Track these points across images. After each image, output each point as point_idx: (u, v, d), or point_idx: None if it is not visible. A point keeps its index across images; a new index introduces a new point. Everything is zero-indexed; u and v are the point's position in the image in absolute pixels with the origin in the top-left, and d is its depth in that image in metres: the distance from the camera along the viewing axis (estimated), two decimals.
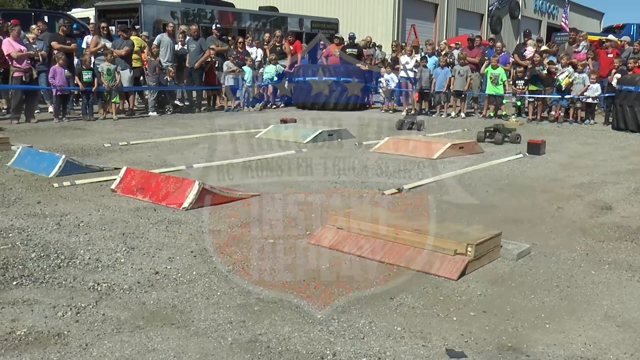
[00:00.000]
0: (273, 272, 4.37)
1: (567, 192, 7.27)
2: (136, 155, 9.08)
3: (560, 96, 15.22)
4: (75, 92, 14.07)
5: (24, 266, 4.37)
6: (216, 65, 16.46)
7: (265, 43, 18.63)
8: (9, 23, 13.58)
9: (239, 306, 3.77)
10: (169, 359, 3.12)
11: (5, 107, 13.96)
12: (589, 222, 5.96)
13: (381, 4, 32.52)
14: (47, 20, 16.37)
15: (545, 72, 15.27)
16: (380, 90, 17.96)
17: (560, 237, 5.45)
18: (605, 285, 4.28)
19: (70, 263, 4.47)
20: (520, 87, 15.57)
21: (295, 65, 18.09)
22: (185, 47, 15.87)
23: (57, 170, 7.39)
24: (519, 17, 44.26)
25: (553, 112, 15.72)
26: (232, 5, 24.53)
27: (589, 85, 14.79)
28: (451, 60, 16.72)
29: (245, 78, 16.31)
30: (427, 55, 17.05)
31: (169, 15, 20.36)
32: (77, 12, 25.09)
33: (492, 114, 15.85)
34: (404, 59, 17.11)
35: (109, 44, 14.60)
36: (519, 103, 16.35)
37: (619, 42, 18.36)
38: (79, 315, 3.60)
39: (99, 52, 14.47)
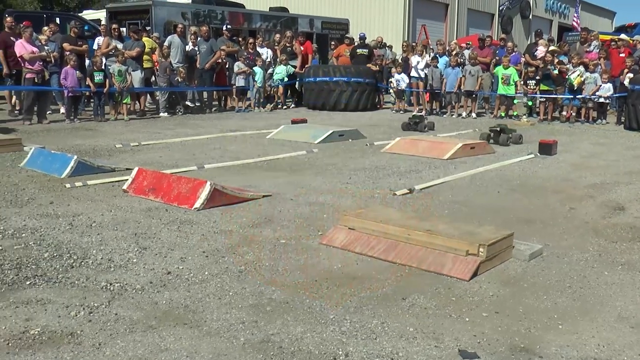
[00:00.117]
0: (285, 273, 4.37)
1: (579, 193, 7.23)
2: (147, 156, 9.11)
3: (572, 96, 15.16)
4: (87, 93, 14.12)
5: (37, 266, 4.40)
6: (227, 66, 16.50)
7: (276, 44, 18.65)
8: (22, 25, 13.65)
9: (251, 306, 3.77)
10: (181, 358, 3.13)
11: (17, 108, 14.04)
12: (601, 223, 5.93)
13: (391, 4, 32.47)
14: (58, 22, 16.44)
15: (556, 72, 15.21)
16: (391, 91, 17.95)
17: (573, 237, 5.43)
18: (619, 286, 4.26)
19: (82, 263, 4.49)
20: (532, 87, 15.52)
21: (306, 66, 18.10)
22: (196, 48, 15.92)
23: (69, 171, 7.42)
24: (530, 16, 44.09)
25: (564, 112, 15.65)
26: (242, 6, 24.56)
27: (600, 85, 14.72)
28: (462, 60, 16.68)
29: (256, 79, 16.34)
30: (437, 56, 17.02)
31: (180, 17, 20.41)
32: (89, 14, 25.22)
33: (502, 114, 15.80)
34: (414, 59, 17.09)
35: (120, 45, 14.68)
36: (530, 103, 16.29)
37: (631, 42, 18.24)
38: (91, 314, 3.61)
39: (110, 53, 14.55)
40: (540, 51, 16.78)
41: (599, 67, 15.35)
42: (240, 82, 16.18)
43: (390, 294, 4.03)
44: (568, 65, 15.42)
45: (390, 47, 22.12)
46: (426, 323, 3.60)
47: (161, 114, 14.83)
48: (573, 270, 4.57)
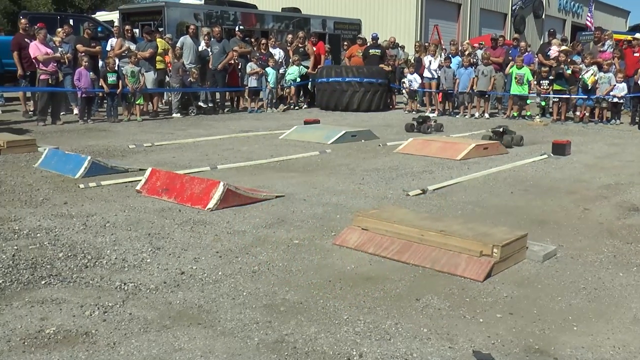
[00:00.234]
0: (298, 273, 4.37)
1: (593, 193, 7.19)
2: (160, 157, 9.14)
3: (586, 96, 15.07)
4: (100, 94, 14.21)
5: (52, 266, 4.42)
6: (239, 67, 16.54)
7: (288, 44, 18.67)
8: (36, 27, 13.75)
9: (265, 306, 3.78)
10: (195, 358, 3.14)
11: (32, 109, 14.14)
12: (616, 224, 5.89)
13: (404, 4, 32.42)
14: (72, 24, 16.55)
15: (569, 71, 15.14)
16: (404, 91, 17.92)
17: (587, 238, 5.39)
18: (634, 288, 4.22)
19: (97, 263, 4.51)
20: (545, 87, 15.44)
21: (319, 67, 18.10)
22: (208, 49, 15.97)
23: (83, 172, 7.47)
24: (543, 16, 43.88)
25: (578, 113, 15.58)
26: (255, 7, 24.61)
27: (615, 85, 14.63)
28: (475, 60, 16.63)
29: (268, 79, 16.37)
30: (450, 56, 16.98)
31: (192, 18, 20.48)
32: (102, 15, 25.37)
33: (515, 114, 15.75)
34: (427, 59, 17.06)
35: (133, 47, 14.74)
36: (543, 103, 16.22)
37: None
38: (106, 314, 3.63)
39: (123, 54, 14.63)
40: (554, 51, 16.70)
41: (613, 66, 15.25)
42: (252, 82, 16.23)
43: (403, 294, 4.02)
44: (581, 65, 15.34)
45: (403, 47, 22.11)
46: (440, 324, 3.59)
47: (174, 115, 14.89)
48: (587, 271, 4.54)
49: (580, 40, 21.51)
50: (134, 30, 16.67)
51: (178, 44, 15.50)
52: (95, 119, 13.61)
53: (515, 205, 6.56)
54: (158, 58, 15.01)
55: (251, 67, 16.16)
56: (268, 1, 31.44)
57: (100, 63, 14.73)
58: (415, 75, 17.05)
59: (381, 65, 17.73)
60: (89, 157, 7.70)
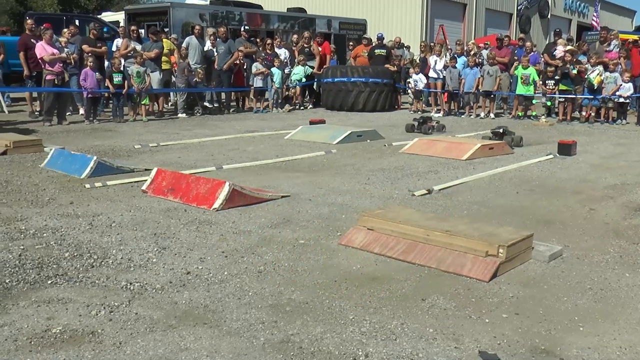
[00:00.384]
0: (304, 273, 4.38)
1: (599, 194, 7.17)
2: (166, 157, 9.16)
3: (592, 96, 15.04)
4: (106, 95, 14.24)
5: (58, 265, 4.43)
6: (245, 67, 16.55)
7: (294, 44, 18.67)
8: (42, 27, 13.79)
9: (271, 306, 3.78)
10: (201, 358, 3.14)
11: (38, 109, 14.19)
12: (622, 224, 5.87)
13: (409, 4, 32.42)
14: (78, 24, 16.58)
15: (575, 71, 15.10)
16: (409, 91, 17.91)
17: (593, 239, 5.38)
18: None
19: (103, 263, 4.52)
20: (551, 87, 15.41)
21: (324, 67, 18.11)
22: (214, 49, 15.98)
23: (88, 172, 7.48)
24: (549, 16, 43.80)
25: (584, 113, 15.54)
26: (260, 7, 24.63)
27: (621, 85, 14.59)
28: (480, 60, 16.61)
29: (273, 79, 16.37)
30: (456, 56, 16.96)
31: (198, 18, 20.51)
32: (107, 16, 25.43)
33: (520, 114, 15.72)
34: (432, 59, 17.05)
35: (138, 47, 14.77)
36: (549, 103, 16.19)
37: None
38: (112, 314, 3.64)
39: (129, 55, 14.65)
40: (559, 51, 16.66)
41: (619, 66, 15.22)
42: (258, 83, 16.24)
43: (409, 294, 4.02)
44: (587, 65, 15.30)
45: (408, 47, 22.09)
46: (446, 324, 3.58)
47: (179, 115, 14.91)
48: (593, 271, 4.53)
49: (586, 40, 21.46)
50: (140, 30, 16.70)
51: (184, 44, 15.52)
52: (101, 119, 13.63)
53: (520, 205, 6.55)
54: (164, 58, 15.02)
55: (257, 67, 16.17)
56: (273, 1, 31.47)
57: (106, 63, 14.77)
58: (421, 76, 17.04)
59: (386, 66, 17.71)
60: (94, 157, 7.72)
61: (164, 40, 15.37)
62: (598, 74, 14.70)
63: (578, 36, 33.16)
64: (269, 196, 6.50)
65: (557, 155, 9.68)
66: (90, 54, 13.71)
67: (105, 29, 18.36)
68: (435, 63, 16.85)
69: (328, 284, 4.16)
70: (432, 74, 16.92)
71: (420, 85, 17.06)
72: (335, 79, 17.18)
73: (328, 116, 14.88)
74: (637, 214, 6.28)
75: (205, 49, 15.92)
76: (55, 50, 13.03)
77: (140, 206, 6.17)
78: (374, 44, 18.84)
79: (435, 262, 4.51)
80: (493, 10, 38.52)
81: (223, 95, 16.93)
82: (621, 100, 14.79)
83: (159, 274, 4.30)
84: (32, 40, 13.58)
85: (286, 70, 17.10)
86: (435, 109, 17.00)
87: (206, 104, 15.86)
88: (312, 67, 17.86)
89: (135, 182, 7.22)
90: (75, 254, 4.68)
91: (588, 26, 39.52)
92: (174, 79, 15.48)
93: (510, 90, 16.38)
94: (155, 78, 14.46)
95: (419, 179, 7.77)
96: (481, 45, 19.91)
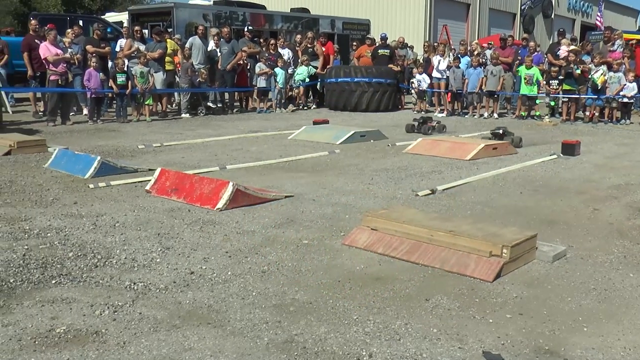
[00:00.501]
0: (308, 273, 4.38)
1: (603, 194, 7.16)
2: (170, 157, 9.17)
3: (596, 96, 15.01)
4: (110, 95, 14.26)
5: (62, 265, 4.44)
6: (248, 67, 16.56)
7: (297, 45, 18.67)
8: (46, 28, 13.82)
9: (275, 306, 3.78)
10: (205, 358, 3.14)
11: (42, 109, 14.22)
12: (626, 224, 5.86)
13: (413, 4, 32.40)
14: (82, 25, 16.61)
15: (578, 71, 15.08)
16: (413, 91, 17.90)
17: (597, 239, 5.37)
18: None
19: (106, 262, 4.53)
20: (554, 87, 15.39)
21: (328, 67, 18.10)
22: (217, 49, 15.99)
23: (92, 172, 7.49)
24: (552, 16, 43.73)
25: (587, 112, 15.51)
26: (263, 7, 24.63)
27: (625, 85, 14.56)
28: (484, 60, 16.59)
29: (277, 80, 16.38)
30: (459, 56, 16.94)
31: (201, 18, 20.52)
32: (111, 16, 25.45)
33: (524, 114, 15.71)
34: (436, 59, 17.04)
35: (142, 47, 14.79)
36: (552, 103, 16.17)
37: None
38: (116, 313, 3.64)
39: (132, 55, 14.67)
40: (563, 51, 16.64)
41: (623, 66, 15.18)
42: (261, 83, 16.25)
43: (413, 294, 4.01)
44: (590, 65, 15.28)
45: (412, 47, 22.07)
46: (450, 324, 3.58)
47: (183, 115, 14.93)
48: (597, 272, 4.52)
49: (590, 39, 21.43)
50: (143, 30, 16.72)
51: (187, 45, 15.53)
52: (104, 120, 13.66)
53: (524, 205, 6.54)
54: (167, 59, 15.05)
55: (260, 67, 16.18)
56: (277, 2, 31.50)
57: (110, 64, 14.78)
58: (424, 75, 17.03)
59: (390, 66, 17.71)
60: (98, 157, 7.73)
61: (168, 40, 15.39)
62: (602, 74, 14.67)
63: (582, 36, 33.14)
64: (273, 196, 6.51)
65: (561, 155, 9.67)
66: (94, 55, 13.75)
67: (108, 30, 18.41)
68: (439, 63, 16.84)
69: (332, 284, 4.16)
70: (435, 74, 16.90)
71: (424, 85, 17.04)
72: (339, 79, 17.18)
73: (331, 116, 14.87)
74: None
75: (209, 49, 15.92)
76: (59, 51, 13.06)
77: (144, 206, 6.18)
78: (377, 44, 18.82)
79: (439, 262, 4.50)
80: (497, 10, 38.46)
81: (226, 96, 16.94)
82: (625, 100, 14.75)
83: (162, 274, 4.31)
84: (36, 40, 13.62)
85: (290, 71, 17.10)
86: (439, 109, 16.99)
87: (209, 104, 15.87)
88: (316, 67, 17.85)
89: (138, 182, 7.23)
90: (79, 254, 4.69)
91: (592, 26, 39.41)
92: (177, 79, 15.50)
93: (514, 90, 16.36)
94: (158, 78, 14.47)
95: (422, 179, 7.77)
96: (485, 45, 19.88)
